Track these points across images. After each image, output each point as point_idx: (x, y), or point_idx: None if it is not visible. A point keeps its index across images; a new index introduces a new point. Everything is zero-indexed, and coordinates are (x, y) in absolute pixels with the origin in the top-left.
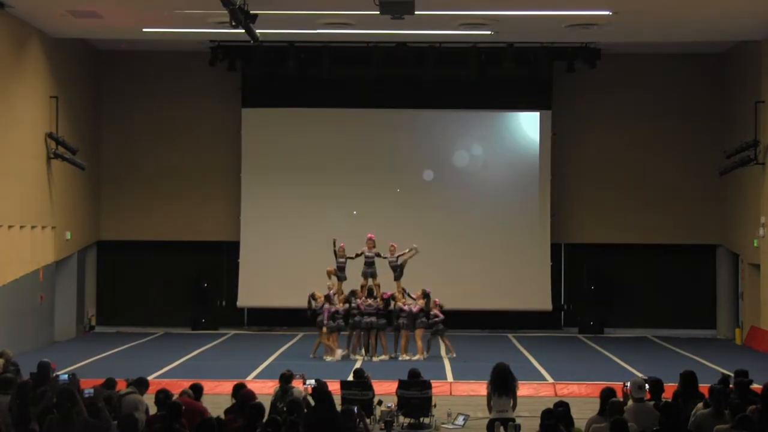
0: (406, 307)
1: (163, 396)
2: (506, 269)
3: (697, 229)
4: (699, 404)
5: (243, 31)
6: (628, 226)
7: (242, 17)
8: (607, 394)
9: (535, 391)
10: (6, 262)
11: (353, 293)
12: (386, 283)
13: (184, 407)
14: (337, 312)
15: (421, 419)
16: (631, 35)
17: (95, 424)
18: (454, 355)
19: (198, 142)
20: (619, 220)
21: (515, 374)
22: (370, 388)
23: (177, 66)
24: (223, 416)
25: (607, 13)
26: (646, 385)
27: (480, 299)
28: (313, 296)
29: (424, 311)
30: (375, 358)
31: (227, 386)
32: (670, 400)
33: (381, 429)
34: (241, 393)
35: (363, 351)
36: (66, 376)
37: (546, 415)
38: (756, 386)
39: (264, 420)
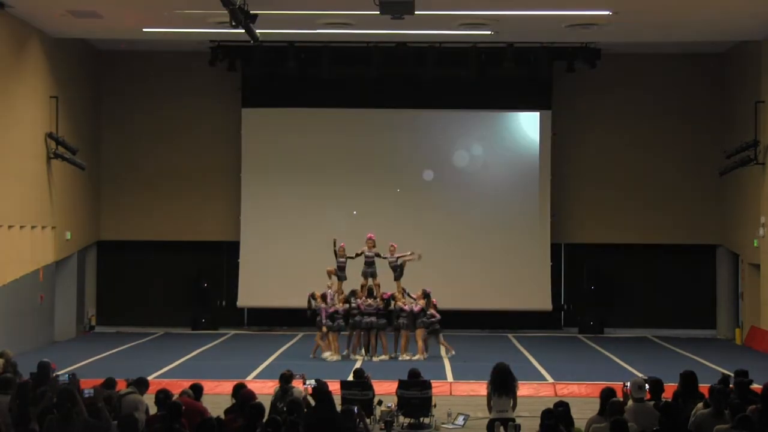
0: (406, 307)
1: (163, 396)
2: (506, 269)
3: (697, 229)
4: (699, 404)
5: (243, 31)
6: (628, 226)
7: (242, 17)
8: (607, 394)
9: (535, 391)
10: (6, 262)
11: (353, 293)
12: (386, 283)
13: (184, 407)
14: (336, 312)
15: (421, 419)
16: (631, 35)
17: (95, 424)
18: (453, 353)
19: (198, 142)
20: (619, 220)
21: (515, 374)
22: (370, 388)
23: (177, 66)
24: (223, 416)
25: (607, 13)
26: (646, 385)
27: (480, 299)
28: (312, 296)
29: (425, 311)
30: (375, 358)
31: (227, 386)
32: (670, 400)
33: (381, 429)
34: (241, 393)
35: (363, 351)
36: (66, 376)
37: (546, 415)
38: (756, 386)
39: (264, 420)
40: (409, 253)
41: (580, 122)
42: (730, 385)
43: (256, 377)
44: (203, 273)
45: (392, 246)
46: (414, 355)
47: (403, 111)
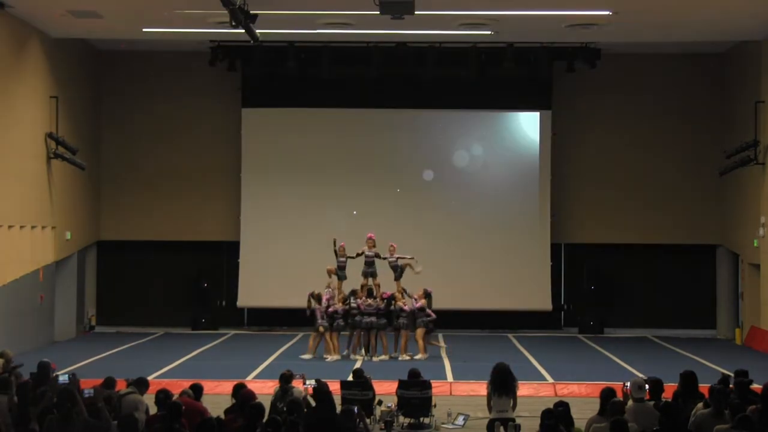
0: (406, 307)
1: (163, 396)
2: (506, 269)
3: (697, 229)
4: (699, 404)
5: (243, 31)
6: (628, 226)
7: (242, 17)
8: (607, 394)
9: (535, 391)
10: (6, 262)
11: (353, 293)
12: (386, 283)
13: (184, 407)
14: (336, 312)
15: (421, 419)
16: (631, 35)
17: (95, 424)
18: (445, 346)
19: (198, 142)
20: (619, 220)
21: (515, 374)
22: (370, 388)
23: (177, 66)
24: (223, 416)
25: (607, 13)
26: (646, 385)
27: (480, 299)
28: (312, 295)
29: (424, 309)
30: (375, 358)
31: (227, 386)
32: (670, 400)
33: (381, 429)
34: (241, 393)
35: (363, 351)
36: (66, 376)
37: (546, 415)
38: (756, 386)
39: (264, 420)
40: (409, 257)
41: (580, 122)
42: (730, 385)
43: (256, 377)
44: (203, 273)
45: (392, 246)
46: (415, 355)
47: (403, 111)
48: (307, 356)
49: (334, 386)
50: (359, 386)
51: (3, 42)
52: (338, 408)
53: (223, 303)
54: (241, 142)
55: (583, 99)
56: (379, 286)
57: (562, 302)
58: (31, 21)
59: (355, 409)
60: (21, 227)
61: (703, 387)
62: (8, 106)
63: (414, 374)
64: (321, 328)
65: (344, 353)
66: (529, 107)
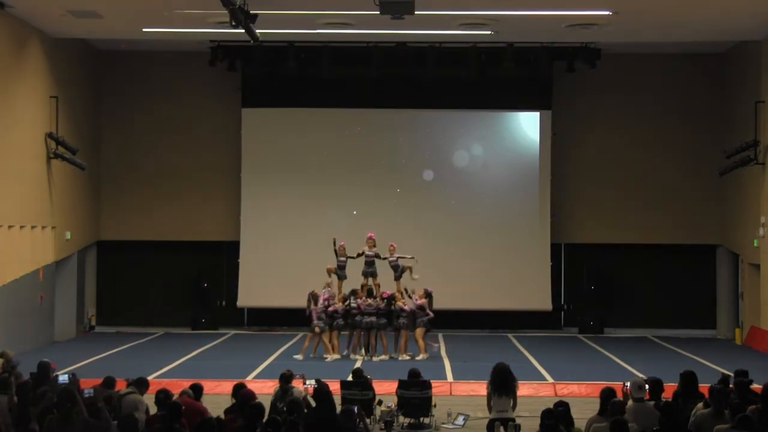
0: (406, 307)
1: (163, 396)
2: (506, 269)
3: (697, 229)
4: (699, 404)
5: (243, 31)
6: (628, 226)
7: (242, 17)
8: (607, 394)
9: (535, 391)
10: (6, 262)
11: (353, 293)
12: (386, 283)
13: (184, 407)
14: (336, 312)
15: (421, 419)
16: (631, 35)
17: (95, 424)
18: (437, 345)
19: (198, 142)
20: (619, 220)
21: (515, 374)
22: (370, 388)
23: (177, 66)
24: (223, 416)
25: (607, 13)
26: (646, 385)
27: (480, 299)
28: (312, 295)
29: (424, 309)
30: (375, 358)
31: (227, 386)
32: (670, 400)
33: (381, 429)
34: (241, 393)
35: (363, 351)
36: (66, 376)
37: (546, 415)
38: (756, 386)
39: (264, 420)
40: (410, 256)
41: (580, 122)
42: (730, 385)
43: (256, 377)
44: (203, 273)
45: (392, 246)
46: (416, 356)
47: (403, 111)
48: (298, 356)
49: (334, 386)
50: (359, 386)
51: (3, 42)
52: (338, 408)
53: (223, 303)
54: (241, 142)
55: (583, 99)
56: (379, 286)
57: (562, 302)
58: (31, 21)
59: (355, 409)
60: (21, 227)
61: (703, 387)
62: (8, 106)
63: (414, 374)
64: (317, 329)
65: (344, 353)
66: (529, 107)
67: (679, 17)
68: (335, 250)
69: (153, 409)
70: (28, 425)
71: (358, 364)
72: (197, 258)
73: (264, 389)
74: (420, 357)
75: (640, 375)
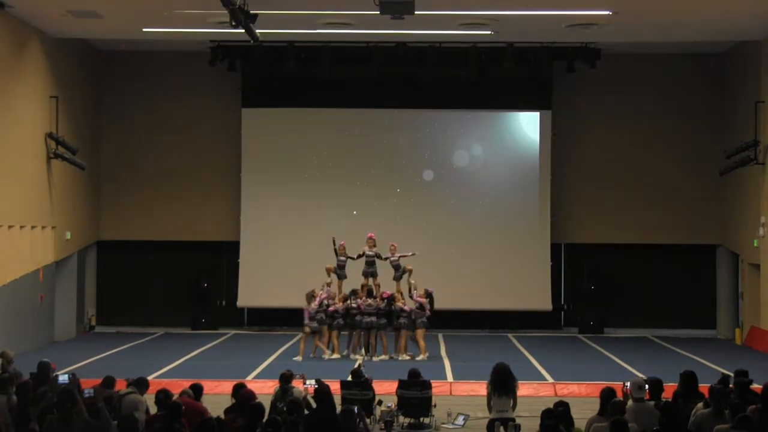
0: (406, 308)
1: (163, 396)
2: (506, 269)
3: (697, 229)
4: (699, 404)
5: (243, 31)
6: (628, 226)
7: (242, 17)
8: (607, 394)
9: (535, 391)
10: (6, 262)
11: (353, 293)
12: (386, 283)
13: (184, 407)
14: (336, 311)
15: (421, 419)
16: (631, 35)
17: (95, 424)
18: (422, 357)
19: (198, 142)
20: (619, 220)
21: (515, 374)
22: (370, 388)
23: (177, 66)
24: (223, 416)
25: (607, 13)
26: (646, 385)
27: (480, 299)
28: (312, 294)
29: (423, 309)
30: (375, 358)
31: (227, 386)
32: (670, 400)
33: (381, 429)
34: (241, 393)
35: (363, 351)
36: (66, 376)
37: (546, 415)
38: (756, 386)
39: (264, 420)
40: (410, 253)
41: (580, 122)
42: (730, 385)
43: (256, 377)
44: (203, 273)
45: (393, 246)
46: (416, 356)
47: (403, 111)
48: (297, 358)
49: (334, 386)
50: (359, 386)
51: (3, 42)
52: (338, 408)
53: (223, 303)
54: (241, 142)
55: (583, 99)
56: (379, 286)
57: (562, 302)
58: (31, 21)
59: (355, 409)
60: (21, 227)
61: (703, 387)
62: (8, 106)
63: (414, 374)
64: (307, 329)
65: (344, 353)
66: (529, 107)
67: (679, 17)
68: (335, 250)
69: (153, 409)
70: (28, 425)
71: (357, 365)
72: (197, 258)
73: (264, 389)
74: (420, 357)
75: (640, 375)
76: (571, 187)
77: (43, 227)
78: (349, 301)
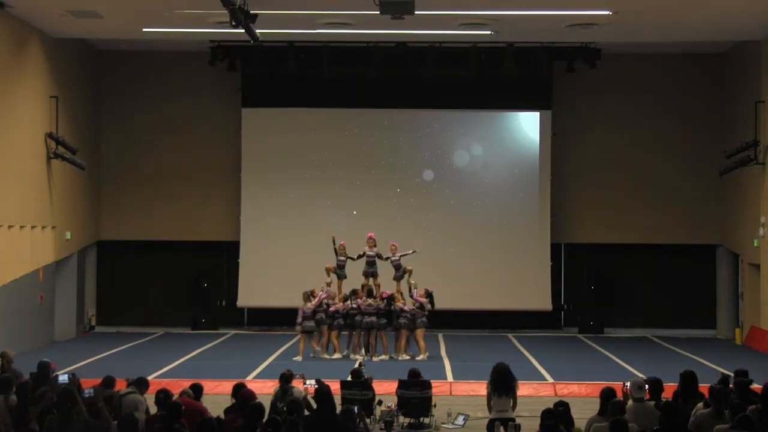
0: (406, 308)
1: (163, 396)
2: (506, 269)
3: (697, 229)
4: (699, 404)
5: (243, 31)
6: (628, 226)
7: (242, 17)
8: (607, 394)
9: (535, 391)
10: (6, 262)
11: (354, 293)
12: (387, 284)
13: (184, 407)
14: (336, 312)
15: (421, 419)
16: (631, 35)
17: (95, 424)
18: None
19: (198, 142)
20: (619, 220)
21: (515, 374)
22: (370, 388)
23: (177, 66)
24: (223, 416)
25: (607, 13)
26: (646, 385)
27: (480, 299)
28: (312, 294)
29: (423, 308)
30: (375, 358)
31: (227, 386)
32: (670, 400)
33: (381, 429)
34: (241, 393)
35: (363, 351)
36: (66, 376)
37: (546, 415)
38: (756, 386)
39: (264, 420)
40: (411, 251)
41: (580, 122)
42: (730, 385)
43: (256, 377)
44: (203, 273)
45: (394, 246)
46: (416, 356)
47: (403, 111)
48: (297, 358)
49: (334, 386)
50: (359, 386)
51: (3, 42)
52: (338, 408)
53: (223, 303)
54: (241, 142)
55: (583, 99)
56: (379, 286)
57: (562, 302)
58: (31, 21)
59: (355, 409)
60: (21, 227)
61: (703, 387)
62: (8, 106)
63: (414, 374)
64: (298, 328)
65: (344, 353)
66: (529, 107)
67: (679, 17)
68: (335, 249)
69: (153, 409)
70: (28, 425)
71: (356, 365)
72: (197, 258)
73: (264, 389)
74: (420, 357)
75: (640, 375)
76: (571, 187)
77: (43, 227)
78: (349, 301)
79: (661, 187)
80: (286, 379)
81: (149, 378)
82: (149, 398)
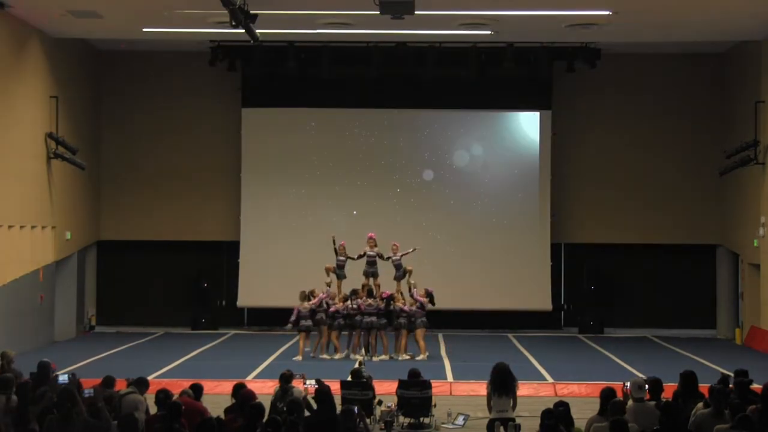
0: (406, 308)
1: (163, 396)
2: (506, 269)
3: (697, 229)
4: (699, 404)
5: (243, 31)
6: (628, 226)
7: (242, 17)
8: (607, 394)
9: (535, 391)
10: (6, 262)
11: (354, 293)
12: (386, 284)
13: (184, 407)
14: (337, 312)
15: (421, 419)
16: (631, 35)
17: (95, 424)
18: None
19: (198, 142)
20: (619, 220)
21: (515, 374)
22: (370, 388)
23: (177, 66)
24: (223, 416)
25: (607, 13)
26: (646, 385)
27: (480, 299)
28: (311, 293)
29: (423, 308)
30: (375, 358)
31: (227, 386)
32: (670, 400)
33: (381, 429)
34: (241, 393)
35: (363, 351)
36: (66, 376)
37: (546, 415)
38: (756, 386)
39: (264, 420)
40: (411, 250)
41: (580, 122)
42: (730, 385)
43: (256, 377)
44: (203, 273)
45: (395, 245)
46: (416, 356)
47: (403, 111)
48: (297, 358)
49: (334, 386)
50: (359, 386)
51: (3, 42)
52: (338, 408)
53: (223, 303)
54: (241, 142)
55: (583, 99)
56: (379, 286)
57: (562, 302)
58: (31, 21)
59: (355, 409)
60: (21, 227)
61: (703, 387)
62: (8, 106)
63: (414, 374)
64: (288, 326)
65: (344, 353)
66: (529, 107)
67: (679, 17)
68: (335, 249)
69: (153, 409)
70: (28, 425)
71: (357, 365)
72: (197, 258)
73: (264, 389)
74: (420, 357)
75: (640, 375)
76: (571, 187)
77: (43, 227)
78: (349, 302)
79: (661, 187)
80: (286, 379)
81: (149, 378)
82: (149, 398)
